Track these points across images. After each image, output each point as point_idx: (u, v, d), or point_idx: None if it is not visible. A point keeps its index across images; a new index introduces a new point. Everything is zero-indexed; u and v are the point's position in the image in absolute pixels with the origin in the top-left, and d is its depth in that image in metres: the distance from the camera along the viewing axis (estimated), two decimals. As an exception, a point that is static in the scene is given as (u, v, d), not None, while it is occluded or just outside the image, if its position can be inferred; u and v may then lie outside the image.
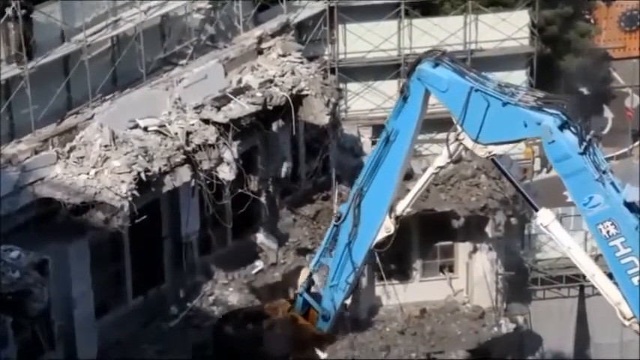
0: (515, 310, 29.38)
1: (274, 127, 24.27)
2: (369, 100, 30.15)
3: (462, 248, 29.02)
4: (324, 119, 24.86)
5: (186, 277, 23.24)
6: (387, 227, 18.47)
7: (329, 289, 18.86)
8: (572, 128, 16.62)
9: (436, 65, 17.45)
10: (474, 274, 28.85)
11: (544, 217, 17.68)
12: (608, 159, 38.44)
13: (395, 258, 28.88)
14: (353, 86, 29.86)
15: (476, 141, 17.39)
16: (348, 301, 19.08)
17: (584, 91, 42.50)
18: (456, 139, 17.62)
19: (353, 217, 18.28)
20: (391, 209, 18.61)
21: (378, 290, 28.77)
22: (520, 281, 29.56)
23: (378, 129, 26.07)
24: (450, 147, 17.78)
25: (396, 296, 28.66)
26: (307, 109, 24.78)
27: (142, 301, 22.66)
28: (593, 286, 17.03)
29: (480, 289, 28.82)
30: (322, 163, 26.60)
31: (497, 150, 17.59)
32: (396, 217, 18.86)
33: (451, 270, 29.29)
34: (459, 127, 17.42)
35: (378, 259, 27.77)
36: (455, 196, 27.72)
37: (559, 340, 30.56)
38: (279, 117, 24.15)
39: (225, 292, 23.59)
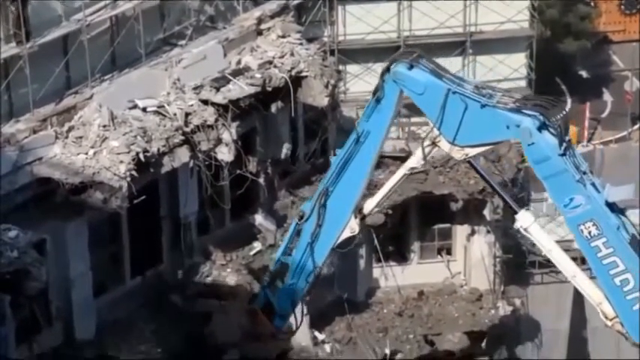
0: (513, 293, 29.41)
1: (273, 108, 24.24)
2: (368, 82, 30.03)
3: (460, 231, 29.04)
4: (323, 101, 24.83)
5: (184, 257, 23.26)
6: (352, 227, 18.41)
7: (288, 288, 18.81)
8: (551, 129, 16.49)
9: (412, 67, 17.23)
10: (471, 256, 28.89)
11: (524, 219, 17.64)
12: (607, 142, 38.70)
13: (393, 240, 28.94)
14: (352, 68, 29.79)
15: (452, 143, 17.24)
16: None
17: (584, 74, 42.48)
18: (432, 142, 17.50)
19: (317, 217, 18.14)
20: (357, 209, 18.54)
21: (376, 272, 28.81)
22: (518, 264, 29.59)
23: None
24: (424, 149, 17.68)
25: (394, 278, 28.71)
26: (306, 91, 24.74)
27: (140, 281, 22.69)
28: (590, 270, 17.05)
29: (478, 272, 28.86)
30: (321, 144, 26.59)
31: (474, 152, 17.48)
32: (362, 217, 18.81)
33: (449, 252, 29.32)
34: (435, 130, 17.27)
35: (376, 241, 27.87)
36: (453, 178, 27.72)
37: (556, 323, 30.61)
38: (278, 98, 24.12)
39: (223, 273, 23.60)
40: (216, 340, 21.48)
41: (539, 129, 16.42)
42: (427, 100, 17.22)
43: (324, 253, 18.63)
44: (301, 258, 18.55)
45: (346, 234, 18.51)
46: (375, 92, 17.74)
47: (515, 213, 17.87)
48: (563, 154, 16.39)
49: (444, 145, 17.41)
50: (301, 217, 18.45)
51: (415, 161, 18.23)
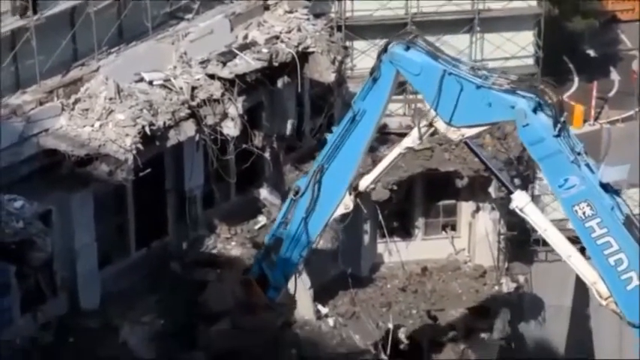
0: (517, 270, 29.53)
1: (279, 83, 24.31)
2: (375, 58, 30.06)
3: (465, 207, 29.13)
4: (329, 77, 24.87)
5: (189, 230, 23.39)
6: (346, 204, 18.69)
7: (282, 261, 19.04)
8: (546, 111, 16.60)
9: (408, 48, 17.39)
10: (476, 233, 28.98)
11: (519, 199, 17.82)
12: (614, 122, 38.78)
13: (398, 216, 29.04)
14: (359, 44, 29.81)
15: (448, 124, 17.40)
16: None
17: (592, 53, 42.39)
18: (429, 123, 17.65)
19: (312, 193, 18.37)
20: (352, 187, 18.74)
21: (381, 247, 28.93)
22: (522, 241, 29.68)
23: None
24: (420, 129, 17.84)
25: (398, 254, 28.82)
26: (313, 67, 24.78)
27: (145, 253, 22.84)
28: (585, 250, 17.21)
29: (482, 249, 28.96)
30: (327, 120, 26.64)
31: (470, 133, 17.63)
32: (357, 195, 19.04)
33: (453, 229, 29.42)
34: (431, 111, 17.43)
35: (381, 216, 27.99)
36: (459, 155, 27.79)
37: (559, 300, 30.73)
38: (285, 73, 24.17)
39: (228, 247, 23.74)
40: (210, 309, 21.68)
41: (534, 110, 16.58)
42: (423, 81, 17.42)
43: (318, 229, 18.90)
44: (295, 232, 18.77)
45: (340, 210, 18.79)
46: (372, 72, 17.93)
47: (511, 193, 18.03)
48: (558, 135, 16.52)
49: (441, 126, 17.62)
50: (296, 193, 18.67)
51: (411, 141, 18.49)
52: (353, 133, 18.21)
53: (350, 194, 18.71)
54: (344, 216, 19.17)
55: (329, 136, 18.71)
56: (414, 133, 18.40)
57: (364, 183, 19.35)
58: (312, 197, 18.50)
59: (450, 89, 17.20)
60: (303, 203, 18.67)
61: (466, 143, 18.73)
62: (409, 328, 28.06)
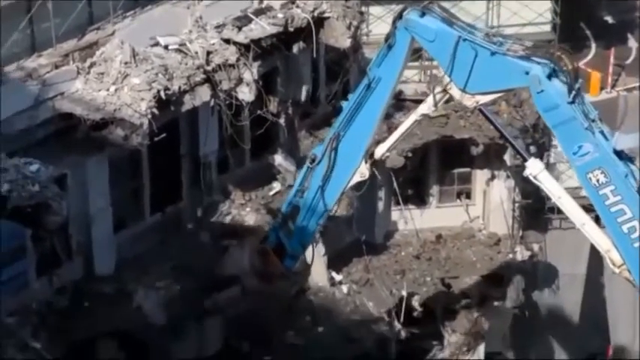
0: (531, 238, 29.49)
1: (295, 49, 24.19)
2: (390, 24, 29.90)
3: (480, 175, 29.06)
4: (345, 42, 24.74)
5: (203, 195, 23.39)
6: (362, 172, 18.69)
7: (298, 229, 19.05)
8: (561, 77, 16.54)
9: (423, 14, 17.35)
10: (490, 201, 28.92)
11: (533, 167, 17.78)
12: (630, 89, 38.52)
13: (412, 183, 29.01)
14: (375, 10, 29.59)
15: (463, 91, 17.38)
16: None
17: (609, 19, 42.02)
18: (443, 90, 17.64)
19: (328, 161, 18.37)
20: (368, 154, 18.72)
21: (395, 215, 28.91)
22: (537, 209, 29.62)
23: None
24: (435, 96, 17.82)
25: (413, 221, 28.80)
26: (329, 32, 24.65)
27: (160, 217, 22.85)
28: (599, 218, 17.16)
29: (497, 217, 28.91)
30: (342, 86, 26.53)
31: (485, 99, 17.61)
32: (373, 163, 19.03)
33: (468, 197, 29.38)
34: (446, 77, 17.42)
35: (395, 184, 27.95)
36: (474, 123, 27.69)
37: (573, 268, 30.72)
38: (300, 39, 24.05)
39: (242, 212, 23.75)
40: (225, 275, 21.76)
41: (549, 77, 16.52)
42: (438, 48, 17.41)
43: (335, 197, 18.90)
44: (312, 200, 18.77)
45: (356, 178, 18.79)
46: (387, 39, 17.90)
47: (525, 160, 18.01)
48: (572, 102, 16.46)
49: (455, 93, 17.62)
50: (313, 161, 18.67)
51: (426, 108, 18.49)
52: (368, 101, 18.19)
53: (366, 162, 18.70)
54: (360, 184, 19.16)
55: (344, 104, 18.67)
56: (429, 100, 18.39)
57: (380, 150, 19.34)
58: (328, 165, 18.48)
59: (464, 56, 17.20)
60: (319, 171, 18.66)
61: (481, 110, 18.67)
62: (423, 295, 28.09)
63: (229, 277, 21.79)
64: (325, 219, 19.20)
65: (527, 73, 16.67)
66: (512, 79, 17.00)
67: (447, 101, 18.52)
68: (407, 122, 19.37)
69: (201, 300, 23.11)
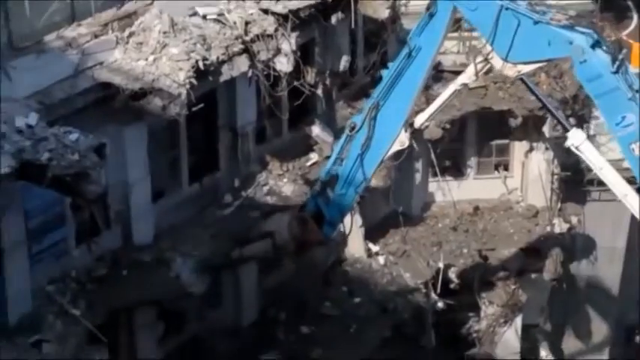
0: (570, 211, 29.32)
1: (333, 19, 24.13)
2: (430, -6, 29.72)
3: (519, 147, 28.91)
4: (383, 13, 24.65)
5: (241, 166, 23.44)
6: (402, 141, 18.66)
7: (337, 197, 19.05)
8: (604, 47, 16.40)
9: None
10: (529, 173, 28.77)
11: (575, 137, 17.66)
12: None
13: (450, 155, 28.91)
14: (414, -20, 29.44)
15: (505, 60, 17.26)
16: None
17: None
18: (485, 59, 17.53)
19: (368, 129, 18.33)
20: (407, 123, 18.66)
21: (432, 186, 28.85)
22: (576, 181, 29.42)
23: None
24: (476, 65, 17.72)
25: (450, 193, 28.73)
26: (367, 2, 24.56)
27: (198, 188, 22.93)
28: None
29: (535, 189, 28.77)
30: (380, 57, 26.45)
31: (526, 69, 17.49)
32: (413, 132, 18.98)
33: (506, 168, 29.25)
34: (487, 47, 17.31)
35: (433, 155, 27.87)
36: (514, 94, 27.51)
37: (612, 242, 30.50)
38: (339, 9, 23.97)
39: (280, 183, 23.79)
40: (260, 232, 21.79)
41: (592, 46, 16.36)
42: (480, 17, 17.30)
43: (374, 165, 18.87)
44: (351, 169, 18.76)
45: (396, 147, 18.76)
46: (428, 7, 17.79)
47: (567, 131, 17.90)
48: (616, 72, 16.31)
49: (497, 62, 17.52)
50: (352, 129, 18.65)
51: (466, 77, 18.41)
52: (408, 70, 18.13)
53: (406, 131, 18.65)
54: (398, 153, 19.13)
55: (384, 73, 18.61)
56: (470, 69, 18.33)
57: (420, 120, 19.33)
58: (367, 134, 18.45)
59: (507, 25, 17.07)
60: (358, 139, 18.66)
61: (522, 80, 18.57)
62: (460, 267, 28.08)
63: (263, 234, 21.69)
64: (364, 187, 19.19)
65: (570, 42, 16.52)
66: (555, 48, 16.87)
67: (487, 72, 18.44)
68: (447, 92, 19.33)
69: (237, 269, 23.30)
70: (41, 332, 19.13)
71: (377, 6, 24.93)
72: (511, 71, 17.53)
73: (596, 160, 17.68)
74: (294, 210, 20.23)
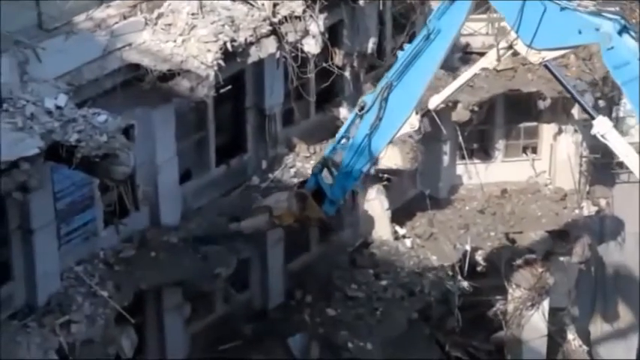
0: (598, 193, 29.14)
1: (361, 1, 24.00)
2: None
3: (547, 129, 28.73)
4: (411, -6, 24.54)
5: (268, 148, 23.42)
6: (412, 123, 18.43)
7: (341, 175, 18.87)
8: (632, 33, 16.20)
9: None
10: (557, 155, 28.60)
11: (601, 125, 17.48)
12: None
13: (478, 137, 28.77)
14: (443, -39, 29.24)
15: (529, 46, 17.06)
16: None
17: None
18: (509, 45, 17.35)
19: (378, 110, 18.12)
20: (419, 106, 18.47)
21: (460, 169, 28.74)
22: (604, 164, 29.22)
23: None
24: (499, 50, 17.53)
25: (477, 175, 28.61)
26: (396, -16, 24.46)
27: (225, 169, 22.94)
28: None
29: (563, 171, 28.60)
30: (408, 39, 26.24)
31: (551, 55, 17.29)
32: (424, 114, 18.78)
33: (534, 151, 29.08)
34: (512, 33, 17.11)
35: (460, 137, 27.72)
36: (542, 76, 27.26)
37: (642, 224, 30.33)
38: (367, -10, 23.87)
39: (307, 165, 23.75)
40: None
41: (620, 33, 16.15)
42: (505, 2, 17.05)
43: (382, 145, 18.67)
44: (358, 148, 18.55)
45: (406, 129, 18.55)
46: None
47: (593, 118, 17.75)
48: None
49: (521, 48, 17.32)
50: (361, 108, 18.42)
51: (487, 62, 18.25)
52: (426, 52, 17.86)
53: (417, 113, 18.46)
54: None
55: (400, 53, 18.38)
56: (492, 53, 18.11)
57: (435, 101, 19.16)
58: (378, 114, 18.22)
59: (532, 11, 16.85)
60: (368, 119, 18.36)
61: (546, 66, 18.35)
62: (487, 250, 27.98)
63: (261, 208, 21.48)
64: (370, 167, 19.02)
65: (597, 29, 16.33)
66: (581, 35, 16.65)
67: (513, 54, 18.26)
68: (466, 75, 19.17)
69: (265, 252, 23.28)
70: (69, 313, 19.21)
71: (405, -13, 24.82)
72: (535, 57, 17.33)
73: (622, 147, 17.53)
74: (294, 186, 20.00)
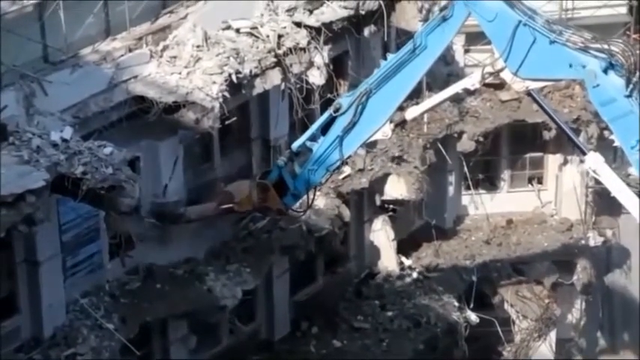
0: (604, 224, 29.07)
1: (366, 32, 24.06)
2: None
3: (552, 160, 28.72)
4: (416, 25, 24.57)
5: (273, 178, 23.37)
6: (385, 132, 18.52)
7: (307, 171, 18.89)
8: (617, 70, 16.19)
9: None
10: (563, 186, 28.58)
11: (592, 160, 17.44)
12: None
13: (483, 168, 28.77)
14: (447, -8, 29.33)
15: (515, 74, 17.10)
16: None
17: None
18: (496, 71, 17.40)
19: (354, 113, 18.17)
20: (394, 116, 18.58)
21: (465, 199, 28.72)
22: (610, 194, 29.13)
23: (470, 37, 25.71)
24: (484, 74, 17.59)
25: (483, 206, 28.59)
26: (400, 15, 24.51)
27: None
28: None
29: (569, 202, 28.57)
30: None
31: (535, 85, 17.34)
32: (397, 124, 18.88)
33: (540, 182, 29.06)
34: (501, 61, 17.15)
35: (466, 168, 27.72)
36: (547, 107, 27.30)
37: (648, 254, 30.25)
38: (371, 22, 23.89)
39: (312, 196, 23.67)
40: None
41: (605, 70, 16.15)
42: (496, 29, 17.11)
43: (352, 149, 18.72)
44: (327, 148, 18.55)
45: (378, 136, 18.63)
46: (442, 9, 17.65)
47: (584, 154, 17.75)
48: (629, 96, 16.10)
49: (506, 76, 17.34)
50: (337, 110, 18.41)
51: (470, 82, 18.30)
52: (409, 65, 17.87)
53: (390, 122, 18.50)
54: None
55: (382, 62, 18.41)
56: (476, 75, 18.16)
57: (412, 112, 19.31)
58: (352, 118, 18.22)
59: (521, 40, 16.90)
60: (341, 121, 18.36)
61: (530, 94, 18.36)
62: (493, 281, 27.90)
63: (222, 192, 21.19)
64: (337, 168, 19.04)
65: (584, 66, 16.36)
66: (567, 69, 16.67)
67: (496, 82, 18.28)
68: (447, 92, 19.31)
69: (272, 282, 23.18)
70: (75, 346, 19.16)
71: (410, 18, 24.87)
72: (519, 86, 17.38)
73: (614, 183, 17.46)
74: (255, 176, 19.94)
